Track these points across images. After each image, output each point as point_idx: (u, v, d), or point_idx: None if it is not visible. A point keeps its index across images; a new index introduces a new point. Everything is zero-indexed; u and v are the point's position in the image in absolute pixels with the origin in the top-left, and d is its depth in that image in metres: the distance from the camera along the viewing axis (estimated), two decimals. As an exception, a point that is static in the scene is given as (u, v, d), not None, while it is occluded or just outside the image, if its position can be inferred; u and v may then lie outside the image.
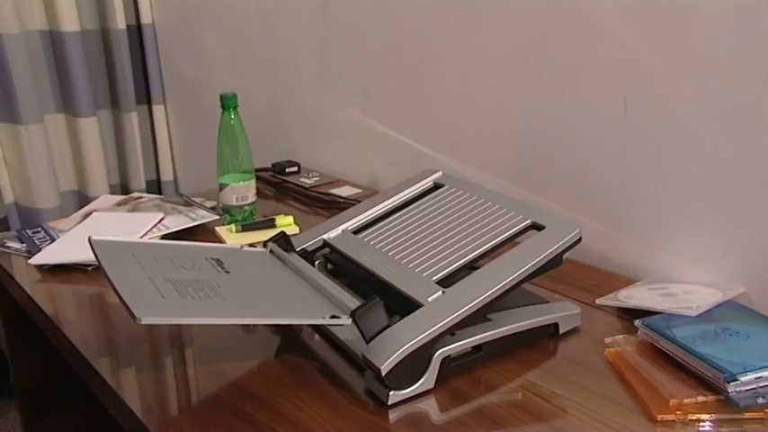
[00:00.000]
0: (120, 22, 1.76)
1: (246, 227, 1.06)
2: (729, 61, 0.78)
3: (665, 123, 0.85)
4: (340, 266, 0.80)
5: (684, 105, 0.83)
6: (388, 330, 0.63)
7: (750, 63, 0.76)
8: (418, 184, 0.88)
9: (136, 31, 1.84)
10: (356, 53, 1.30)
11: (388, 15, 1.20)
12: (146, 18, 1.83)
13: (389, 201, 0.87)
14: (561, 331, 0.75)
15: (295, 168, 1.40)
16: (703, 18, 0.79)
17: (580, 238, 0.71)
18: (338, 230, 0.84)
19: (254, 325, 0.79)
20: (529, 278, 0.68)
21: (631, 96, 0.88)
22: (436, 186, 0.87)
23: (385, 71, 1.25)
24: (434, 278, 0.70)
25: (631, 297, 0.81)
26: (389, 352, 0.61)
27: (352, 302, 0.65)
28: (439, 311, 0.64)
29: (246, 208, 1.11)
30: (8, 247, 1.03)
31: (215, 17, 1.67)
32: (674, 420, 0.60)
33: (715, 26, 0.78)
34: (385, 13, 1.21)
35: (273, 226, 1.07)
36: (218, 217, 1.11)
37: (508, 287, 0.67)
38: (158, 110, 1.90)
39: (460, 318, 0.64)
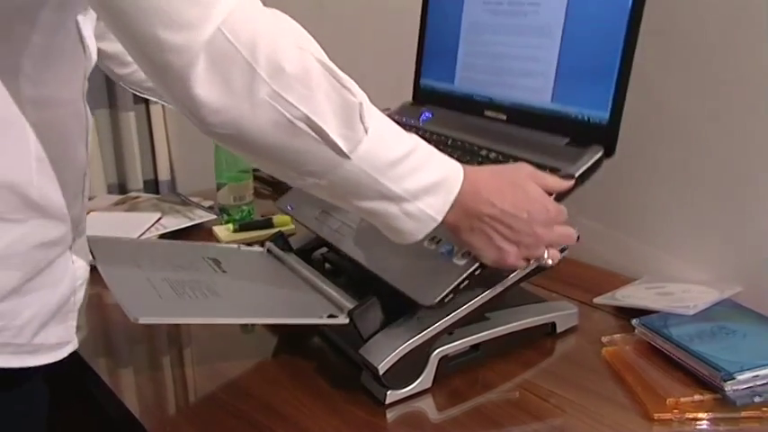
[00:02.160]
0: (117, 21, 1.75)
1: (244, 226, 1.06)
2: (730, 60, 0.78)
3: (664, 122, 0.85)
4: (337, 266, 0.80)
5: (683, 103, 0.83)
6: (385, 330, 0.63)
7: (750, 62, 0.76)
8: (416, 184, 0.87)
9: (133, 29, 1.83)
10: (353, 50, 1.30)
11: (388, 10, 1.20)
12: (143, 17, 1.82)
13: (387, 200, 0.86)
14: (558, 330, 0.75)
15: (293, 168, 1.40)
16: (702, 14, 0.79)
17: (578, 237, 0.71)
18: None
19: (251, 324, 0.79)
20: (526, 277, 0.68)
21: (630, 94, 0.88)
22: (434, 186, 0.86)
23: (384, 68, 1.25)
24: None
25: (629, 296, 0.81)
26: (387, 351, 0.61)
27: (350, 302, 0.65)
28: (436, 311, 0.64)
29: (244, 207, 1.11)
30: (5, 247, 1.03)
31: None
32: (671, 419, 0.60)
33: (716, 22, 0.78)
34: (384, 8, 1.21)
35: (271, 225, 1.07)
36: (215, 216, 1.11)
37: (505, 286, 0.67)
38: (156, 109, 1.89)
39: (458, 317, 0.64)
